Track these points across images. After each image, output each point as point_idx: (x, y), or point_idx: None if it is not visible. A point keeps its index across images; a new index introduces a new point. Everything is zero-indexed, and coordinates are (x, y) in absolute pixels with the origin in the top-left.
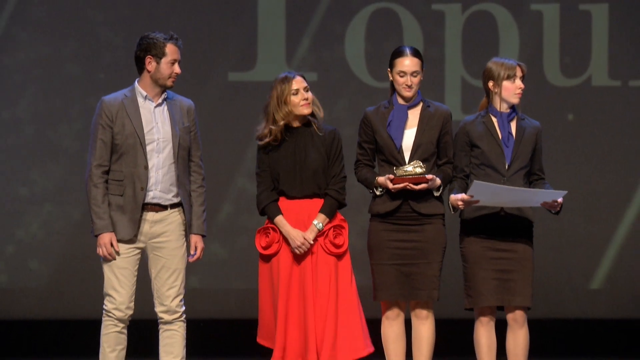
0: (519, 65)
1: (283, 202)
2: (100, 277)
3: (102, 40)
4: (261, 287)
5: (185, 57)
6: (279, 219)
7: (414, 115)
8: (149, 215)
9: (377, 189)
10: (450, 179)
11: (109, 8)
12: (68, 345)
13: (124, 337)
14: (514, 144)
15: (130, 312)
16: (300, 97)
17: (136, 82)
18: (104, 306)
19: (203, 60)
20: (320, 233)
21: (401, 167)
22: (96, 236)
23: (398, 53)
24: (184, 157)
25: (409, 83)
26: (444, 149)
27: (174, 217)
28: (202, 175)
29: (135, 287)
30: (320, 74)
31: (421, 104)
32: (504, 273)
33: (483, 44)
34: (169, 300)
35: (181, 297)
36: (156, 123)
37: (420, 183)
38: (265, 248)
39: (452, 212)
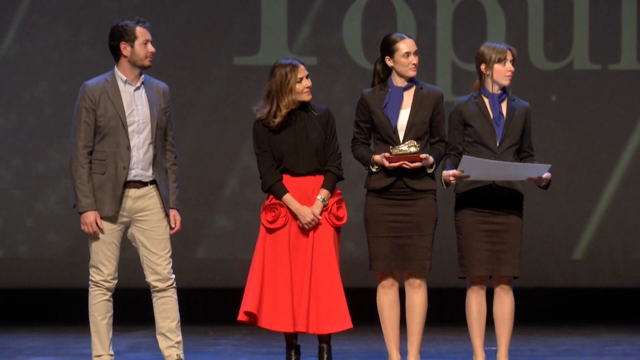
0: (510, 50)
1: (288, 180)
2: None
3: None
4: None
5: (194, 43)
6: (287, 197)
7: (408, 96)
8: (131, 192)
9: (373, 167)
10: (443, 156)
11: None
12: (84, 312)
13: (111, 304)
14: (504, 123)
15: (116, 281)
16: (303, 85)
17: (115, 68)
18: (90, 277)
19: (210, 45)
20: (324, 207)
21: (397, 147)
22: (80, 213)
23: (397, 38)
24: (160, 137)
25: (415, 62)
26: (436, 128)
27: (154, 192)
28: (174, 153)
29: (119, 258)
30: (319, 58)
31: (414, 86)
32: (494, 245)
33: (472, 30)
34: (161, 268)
35: (171, 264)
36: (136, 105)
37: (414, 161)
38: (271, 222)
39: (445, 187)
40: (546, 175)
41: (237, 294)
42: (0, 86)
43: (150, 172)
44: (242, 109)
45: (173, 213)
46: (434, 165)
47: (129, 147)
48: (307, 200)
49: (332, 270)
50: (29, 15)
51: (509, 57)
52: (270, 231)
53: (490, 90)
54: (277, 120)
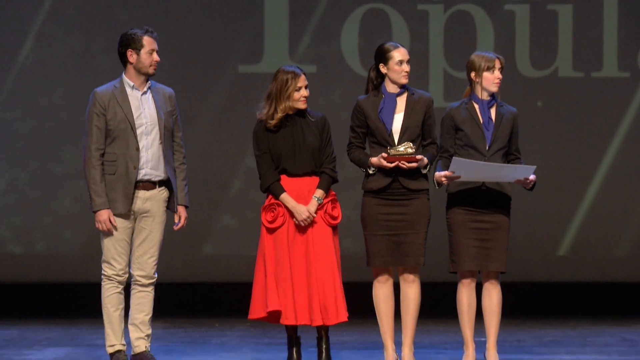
0: (498, 58)
1: (285, 180)
2: None
3: None
4: (264, 260)
5: (201, 52)
6: (284, 196)
7: (401, 101)
8: (141, 194)
9: (370, 169)
10: (435, 158)
11: (133, 8)
12: (97, 305)
13: (123, 297)
14: (493, 128)
15: (127, 275)
16: (301, 94)
17: (123, 74)
18: (103, 272)
19: (216, 54)
20: (320, 206)
21: (394, 148)
22: (94, 212)
23: (391, 47)
24: (168, 138)
25: (407, 69)
26: (428, 131)
27: (161, 195)
28: (183, 153)
29: (129, 254)
30: (319, 66)
31: (407, 92)
32: (483, 242)
33: (462, 39)
34: (149, 267)
35: (157, 264)
36: (143, 109)
37: (411, 162)
38: (271, 222)
39: (437, 188)
40: (532, 177)
41: (241, 288)
42: (19, 92)
43: (159, 172)
44: (246, 114)
45: (180, 210)
46: (428, 166)
47: (138, 148)
48: (303, 199)
49: (328, 266)
50: (45, 26)
51: (498, 65)
52: (270, 231)
53: (480, 97)
54: (273, 122)
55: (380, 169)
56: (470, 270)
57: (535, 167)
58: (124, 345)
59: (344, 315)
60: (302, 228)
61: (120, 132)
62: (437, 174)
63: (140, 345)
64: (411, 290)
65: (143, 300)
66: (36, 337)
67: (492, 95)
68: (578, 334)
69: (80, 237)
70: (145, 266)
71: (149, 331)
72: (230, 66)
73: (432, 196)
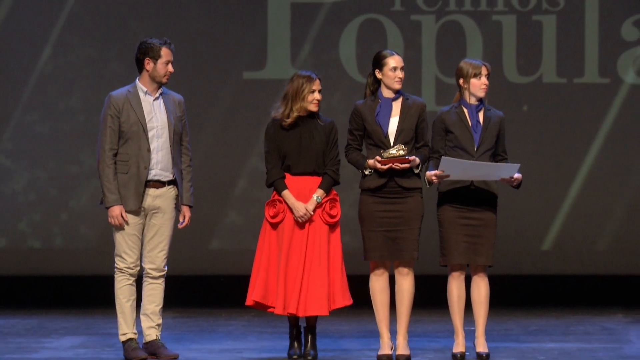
0: (484, 65)
1: (288, 178)
2: None
3: None
4: (262, 252)
5: (208, 59)
6: (286, 193)
7: (396, 106)
8: (151, 191)
9: (366, 170)
10: (427, 158)
11: (145, 18)
12: (111, 296)
13: (134, 288)
14: (481, 131)
15: (138, 268)
16: (314, 97)
17: (137, 79)
18: (115, 265)
19: (222, 61)
20: (319, 205)
21: (387, 150)
22: (107, 208)
23: (387, 54)
24: (177, 142)
25: (401, 76)
26: (421, 134)
27: (170, 193)
28: (189, 156)
29: (141, 248)
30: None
31: (401, 97)
32: (471, 237)
33: (453, 48)
34: (159, 260)
35: (167, 258)
36: (155, 113)
37: (403, 163)
38: (273, 217)
39: (428, 187)
40: (517, 175)
41: (246, 280)
42: (38, 97)
43: (168, 173)
44: (251, 117)
45: (184, 209)
46: (420, 166)
47: (149, 150)
48: (304, 198)
49: (322, 261)
50: (62, 35)
51: (484, 72)
52: (272, 225)
53: (469, 102)
54: (289, 121)
55: (375, 170)
56: (459, 264)
57: (519, 164)
58: (135, 333)
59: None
60: (301, 224)
61: (133, 134)
62: (427, 173)
63: (152, 334)
64: (405, 283)
65: (154, 292)
66: (54, 326)
67: (480, 100)
68: (561, 323)
69: (95, 233)
70: (156, 259)
71: (160, 321)
72: (235, 73)
73: (424, 195)
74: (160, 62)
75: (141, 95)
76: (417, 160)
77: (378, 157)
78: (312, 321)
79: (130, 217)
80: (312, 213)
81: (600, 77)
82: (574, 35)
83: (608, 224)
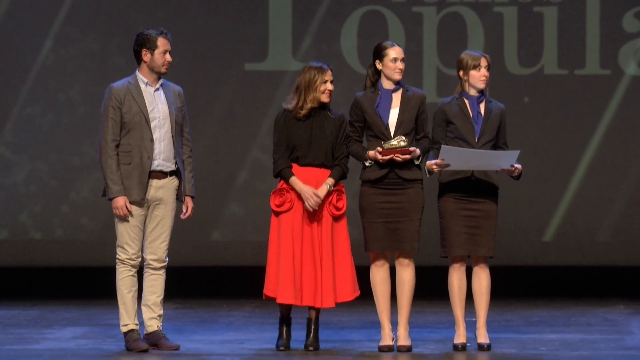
0: (484, 57)
1: (296, 168)
2: None
3: None
4: (271, 242)
5: (210, 51)
6: (294, 179)
7: (396, 97)
8: (154, 182)
9: (366, 161)
10: (427, 150)
11: (146, 11)
12: (112, 287)
13: (136, 279)
14: (482, 122)
15: (139, 259)
16: (326, 87)
17: (137, 71)
18: (117, 256)
19: (224, 53)
20: (327, 195)
21: (388, 142)
22: (110, 199)
23: (387, 45)
24: (178, 132)
25: (401, 67)
26: (421, 125)
27: (172, 184)
28: (190, 147)
29: (142, 239)
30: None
31: (401, 89)
32: (472, 228)
33: (454, 39)
34: (161, 251)
35: (167, 249)
36: (156, 104)
37: (404, 154)
38: (279, 206)
39: (428, 176)
40: (518, 166)
41: (247, 271)
42: (39, 89)
43: (170, 163)
44: (252, 109)
45: (188, 200)
46: (420, 158)
47: (152, 140)
48: None
49: (330, 252)
50: (64, 28)
51: (483, 63)
52: (276, 214)
53: (470, 93)
54: (303, 112)
55: (376, 161)
56: (460, 255)
57: (519, 151)
58: (137, 324)
59: (344, 297)
60: (307, 215)
61: (135, 125)
62: (428, 162)
63: (153, 324)
64: (406, 274)
65: (155, 283)
66: (55, 317)
67: (481, 92)
68: (563, 315)
69: (96, 224)
70: (157, 250)
71: (161, 312)
72: (237, 65)
73: (425, 186)
74: (157, 52)
75: (142, 86)
76: (418, 151)
77: (379, 148)
78: (315, 312)
79: (133, 208)
80: (321, 198)
81: (601, 69)
82: (575, 27)
83: (609, 215)
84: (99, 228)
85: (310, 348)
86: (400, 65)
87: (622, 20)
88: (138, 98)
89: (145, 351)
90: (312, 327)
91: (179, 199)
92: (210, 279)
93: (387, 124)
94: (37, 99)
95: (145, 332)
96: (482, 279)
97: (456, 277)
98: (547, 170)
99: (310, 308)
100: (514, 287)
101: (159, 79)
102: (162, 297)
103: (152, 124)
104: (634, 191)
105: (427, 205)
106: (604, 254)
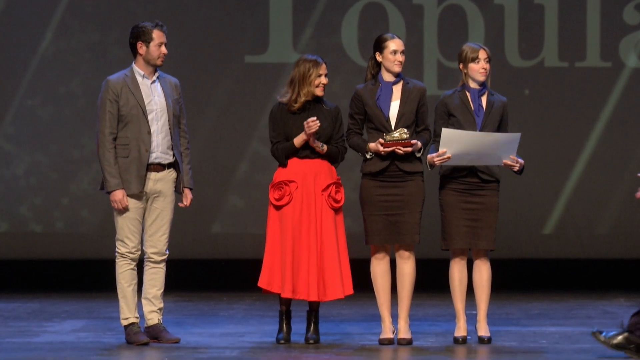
0: (483, 49)
1: (294, 161)
2: None
3: None
4: (269, 235)
5: (210, 43)
6: (293, 140)
7: (397, 90)
8: (152, 175)
9: (367, 154)
10: (428, 142)
11: (146, 3)
12: (113, 280)
13: (135, 273)
14: (483, 115)
15: (139, 252)
16: (320, 81)
17: (133, 64)
18: (116, 250)
19: (224, 45)
20: (325, 189)
21: (389, 134)
22: (108, 193)
23: (387, 37)
24: (175, 124)
25: (401, 59)
26: (422, 118)
27: (170, 176)
28: (187, 139)
29: (141, 233)
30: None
31: (402, 81)
32: (473, 221)
33: (455, 32)
34: (161, 244)
35: (168, 242)
36: (153, 96)
37: (406, 147)
38: (278, 200)
39: (429, 169)
40: (520, 160)
41: (247, 264)
42: (39, 81)
43: (168, 156)
44: (252, 101)
45: (186, 191)
46: (422, 150)
47: (150, 132)
48: (309, 182)
49: (330, 245)
50: (63, 19)
51: (483, 55)
52: (276, 208)
53: (471, 86)
54: (297, 105)
55: (377, 154)
56: (460, 248)
57: (519, 134)
58: (137, 318)
59: (349, 290)
60: (307, 208)
61: (132, 118)
62: (429, 156)
63: (153, 317)
64: (407, 267)
65: (155, 276)
66: (55, 310)
67: (483, 84)
68: (562, 307)
69: (96, 217)
70: (158, 243)
71: (161, 305)
72: (238, 57)
73: (426, 178)
74: (152, 44)
75: (138, 78)
76: (419, 144)
77: (381, 140)
78: (315, 305)
79: (132, 202)
80: (315, 121)
81: (602, 61)
82: (576, 19)
83: (609, 207)
84: (99, 221)
85: (311, 341)
86: (400, 57)
87: (623, 13)
88: (135, 91)
89: (145, 344)
90: (313, 320)
91: (178, 191)
92: (210, 271)
93: (388, 116)
94: (37, 91)
95: (145, 325)
96: (482, 271)
97: (457, 270)
98: (548, 163)
99: (310, 302)
100: (515, 279)
101: (155, 71)
102: (162, 290)
103: (150, 117)
104: (634, 184)
105: (428, 197)
106: (604, 247)
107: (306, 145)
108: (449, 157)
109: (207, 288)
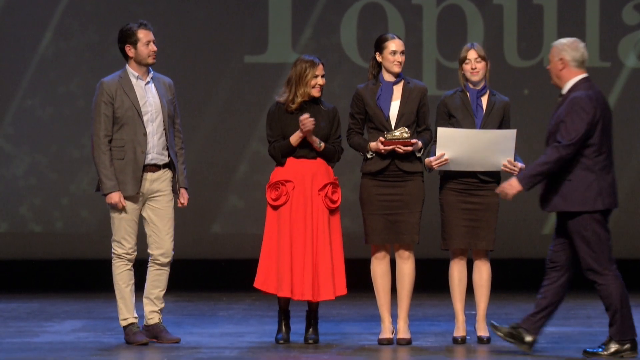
0: (473, 49)
1: (291, 161)
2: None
3: None
4: (266, 235)
5: (209, 43)
6: (290, 139)
7: (397, 89)
8: (148, 176)
9: (368, 153)
10: (429, 142)
11: (146, 3)
12: (112, 280)
13: (132, 273)
14: (483, 116)
15: (135, 253)
16: (316, 82)
17: (126, 66)
18: (113, 251)
19: (223, 46)
20: (321, 189)
21: (390, 132)
22: (105, 195)
23: (387, 37)
24: (170, 124)
25: (400, 60)
26: (422, 117)
27: (166, 176)
28: (181, 138)
29: (137, 233)
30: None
31: (403, 81)
32: (473, 221)
33: (454, 32)
34: (167, 244)
35: (173, 241)
36: (148, 97)
37: (406, 146)
38: (275, 200)
39: (428, 172)
40: (520, 165)
41: (247, 264)
42: (39, 82)
43: (164, 156)
44: (252, 101)
45: (183, 192)
46: (422, 150)
47: (145, 134)
48: (306, 182)
49: (326, 245)
50: (63, 19)
51: (471, 56)
52: (273, 208)
53: (470, 86)
54: (294, 106)
55: (377, 153)
56: (460, 248)
57: (515, 130)
58: (136, 318)
59: (341, 290)
60: (304, 208)
61: (127, 119)
62: (427, 160)
63: (154, 317)
64: (406, 267)
65: (160, 278)
66: (55, 310)
67: (483, 85)
68: (563, 307)
69: (96, 217)
70: (164, 244)
71: (163, 305)
72: (237, 57)
73: (426, 178)
74: (140, 44)
75: (132, 80)
76: (420, 143)
77: (381, 139)
78: (314, 305)
79: (128, 203)
80: (309, 119)
81: (601, 61)
82: (575, 19)
83: None
84: (99, 221)
85: (310, 341)
86: (399, 57)
87: (622, 13)
88: (129, 92)
89: (145, 344)
90: (312, 320)
91: (174, 191)
92: (210, 271)
93: (388, 116)
94: (37, 91)
95: (144, 324)
96: (482, 272)
97: (456, 270)
98: None
99: (310, 301)
100: (514, 279)
101: (148, 71)
102: (164, 291)
103: (145, 118)
104: (635, 183)
105: (427, 197)
106: None
107: (303, 145)
108: (447, 160)
109: (207, 288)
